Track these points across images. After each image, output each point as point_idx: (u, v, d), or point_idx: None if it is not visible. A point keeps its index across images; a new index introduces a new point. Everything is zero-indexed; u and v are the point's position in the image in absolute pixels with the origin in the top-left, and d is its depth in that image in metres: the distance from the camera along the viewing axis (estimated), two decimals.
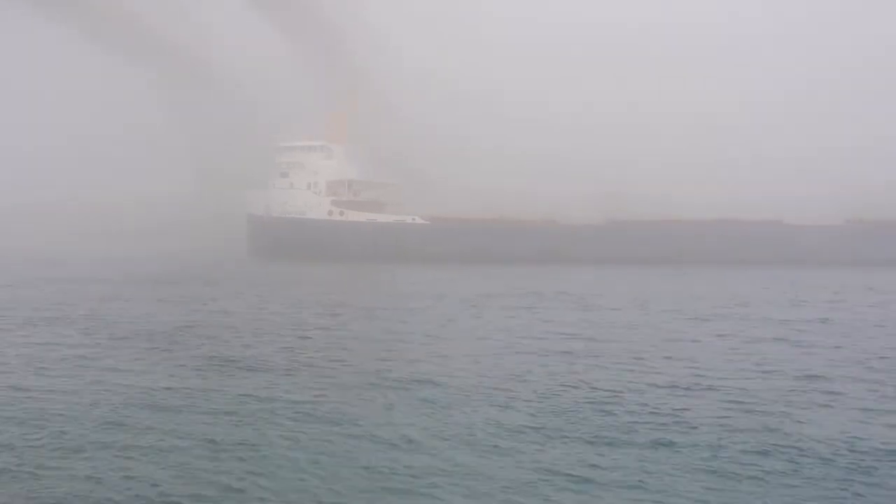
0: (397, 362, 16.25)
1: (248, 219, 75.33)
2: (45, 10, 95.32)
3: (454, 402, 12.62)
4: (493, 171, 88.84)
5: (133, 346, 18.35)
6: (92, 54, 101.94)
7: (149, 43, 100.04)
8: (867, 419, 11.85)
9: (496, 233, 67.83)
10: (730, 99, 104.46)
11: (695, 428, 11.21)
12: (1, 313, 24.87)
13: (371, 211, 72.79)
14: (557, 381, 14.39)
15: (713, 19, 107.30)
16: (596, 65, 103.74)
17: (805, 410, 12.38)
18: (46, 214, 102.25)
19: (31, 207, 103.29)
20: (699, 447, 10.25)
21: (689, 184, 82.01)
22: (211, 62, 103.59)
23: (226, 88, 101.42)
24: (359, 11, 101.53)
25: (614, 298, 31.83)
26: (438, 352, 17.83)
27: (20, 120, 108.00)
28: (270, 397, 12.97)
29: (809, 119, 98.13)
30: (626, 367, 15.91)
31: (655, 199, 75.53)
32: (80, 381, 14.22)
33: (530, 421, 11.52)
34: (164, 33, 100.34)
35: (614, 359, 16.98)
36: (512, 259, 63.27)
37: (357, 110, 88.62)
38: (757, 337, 20.65)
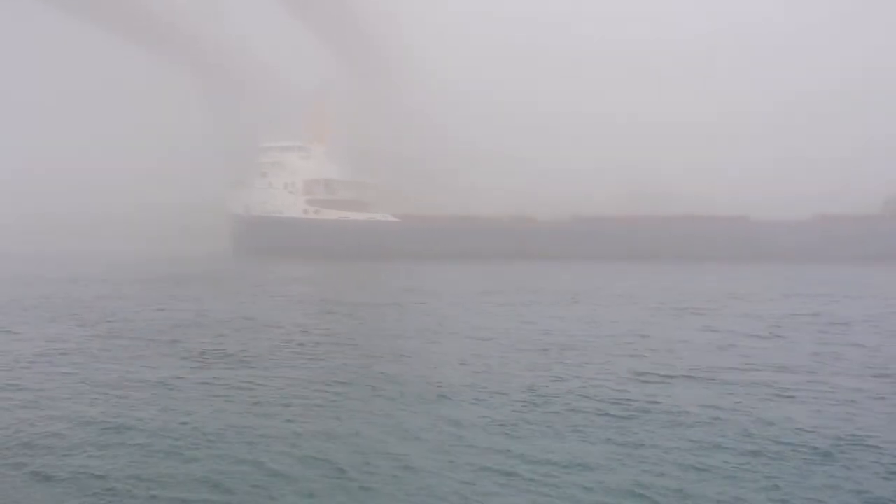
0: (391, 360, 16.29)
1: (231, 218, 77.04)
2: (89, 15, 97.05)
3: (441, 397, 12.71)
4: (507, 172, 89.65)
5: (125, 341, 18.72)
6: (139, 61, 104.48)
7: (187, 47, 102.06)
8: (838, 409, 11.89)
9: (465, 230, 67.89)
10: (744, 101, 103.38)
11: (668, 416, 11.38)
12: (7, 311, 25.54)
13: (351, 210, 73.50)
14: (545, 375, 14.43)
15: (718, 27, 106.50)
16: (613, 72, 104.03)
17: (777, 401, 12.42)
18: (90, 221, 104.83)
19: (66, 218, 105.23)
20: (671, 436, 10.37)
21: (708, 184, 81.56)
22: (247, 66, 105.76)
23: (257, 89, 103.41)
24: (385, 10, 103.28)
25: (598, 294, 31.76)
26: (426, 347, 17.90)
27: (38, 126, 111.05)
28: (258, 392, 13.07)
29: (822, 120, 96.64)
30: (614, 362, 15.90)
31: (679, 198, 74.65)
32: (75, 376, 14.59)
33: (516, 415, 11.62)
34: (200, 36, 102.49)
35: (600, 353, 16.95)
36: (481, 255, 63.27)
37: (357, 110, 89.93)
38: (743, 331, 20.52)
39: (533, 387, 13.34)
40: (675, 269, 50.53)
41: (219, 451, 9.80)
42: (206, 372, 14.83)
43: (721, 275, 44.88)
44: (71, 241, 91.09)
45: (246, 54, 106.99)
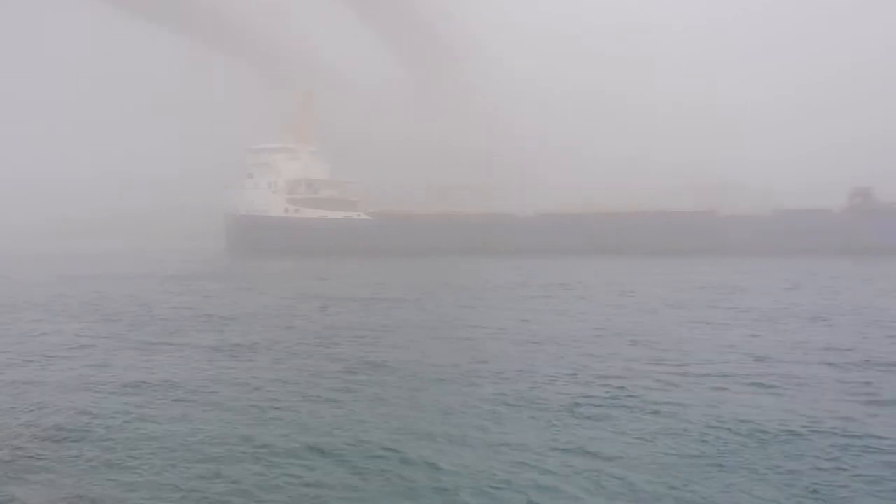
0: (387, 352, 16.79)
1: (224, 218, 79.59)
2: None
3: (432, 386, 13.23)
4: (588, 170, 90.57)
5: (131, 335, 19.61)
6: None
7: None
8: (804, 400, 12.06)
9: (436, 226, 68.63)
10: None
11: (638, 402, 11.73)
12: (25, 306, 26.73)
13: (334, 208, 74.86)
14: (535, 365, 14.81)
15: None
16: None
17: (744, 389, 12.73)
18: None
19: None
20: (638, 420, 10.78)
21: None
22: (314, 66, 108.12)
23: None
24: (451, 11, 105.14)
25: (595, 289, 32.42)
26: (417, 340, 18.47)
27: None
28: (261, 384, 13.60)
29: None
30: (598, 353, 16.12)
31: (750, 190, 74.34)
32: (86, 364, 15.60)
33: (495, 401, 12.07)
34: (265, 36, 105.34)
35: (582, 344, 17.30)
36: (452, 251, 63.83)
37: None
38: (729, 322, 21.06)
39: (524, 375, 13.69)
40: (652, 263, 50.24)
41: (228, 444, 10.02)
42: (215, 365, 15.44)
43: (700, 269, 44.41)
44: (73, 241, 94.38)
45: (313, 55, 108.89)
